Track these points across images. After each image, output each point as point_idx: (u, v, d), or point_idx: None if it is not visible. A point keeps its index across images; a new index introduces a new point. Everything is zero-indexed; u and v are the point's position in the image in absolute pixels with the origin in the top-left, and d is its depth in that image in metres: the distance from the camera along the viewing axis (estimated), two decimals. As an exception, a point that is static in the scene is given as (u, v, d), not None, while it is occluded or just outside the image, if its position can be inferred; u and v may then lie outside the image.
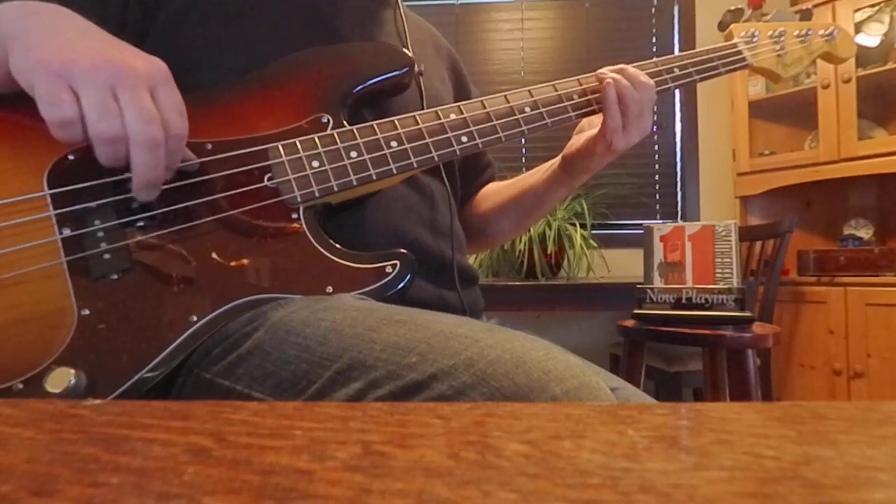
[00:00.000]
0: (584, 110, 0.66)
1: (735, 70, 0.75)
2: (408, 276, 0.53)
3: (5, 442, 0.18)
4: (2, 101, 0.48)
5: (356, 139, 0.55)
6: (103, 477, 0.15)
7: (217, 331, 0.48)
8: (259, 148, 0.53)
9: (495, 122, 0.61)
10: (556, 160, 0.76)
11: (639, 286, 1.19)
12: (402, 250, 0.54)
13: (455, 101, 0.76)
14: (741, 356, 1.14)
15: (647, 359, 1.35)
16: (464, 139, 0.59)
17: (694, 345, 1.41)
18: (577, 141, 0.72)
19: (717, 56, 0.74)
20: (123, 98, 0.44)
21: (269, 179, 0.52)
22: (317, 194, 0.53)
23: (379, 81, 0.58)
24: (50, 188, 0.47)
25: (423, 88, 0.66)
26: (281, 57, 0.57)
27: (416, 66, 0.61)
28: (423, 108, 0.65)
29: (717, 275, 1.13)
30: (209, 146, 0.52)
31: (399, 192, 0.60)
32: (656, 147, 2.53)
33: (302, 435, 0.19)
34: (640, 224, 2.23)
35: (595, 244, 2.26)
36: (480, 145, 0.60)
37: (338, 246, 0.53)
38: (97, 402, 0.23)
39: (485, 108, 0.61)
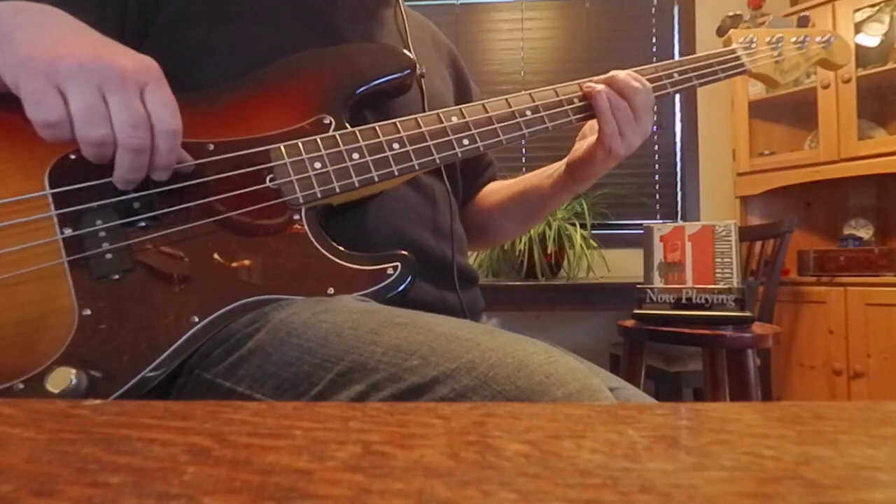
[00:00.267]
0: (584, 114, 0.66)
1: (733, 75, 0.75)
2: (409, 278, 0.53)
3: (5, 442, 0.18)
4: (2, 100, 0.48)
5: (358, 141, 0.55)
6: (103, 477, 0.15)
7: (218, 331, 0.48)
8: (261, 149, 0.53)
9: (496, 126, 0.61)
10: (562, 164, 0.75)
11: (639, 286, 1.19)
12: (403, 252, 0.54)
13: (456, 99, 0.76)
14: (741, 356, 1.14)
15: (647, 359, 1.35)
16: (465, 142, 0.59)
17: (694, 345, 1.41)
18: (579, 147, 0.72)
19: (717, 62, 0.74)
20: (112, 100, 0.43)
21: (271, 180, 0.52)
22: (319, 195, 0.53)
23: (381, 83, 0.59)
24: (51, 187, 0.47)
25: (424, 89, 0.66)
26: (281, 56, 0.57)
27: (417, 67, 0.61)
28: (424, 109, 0.65)
29: (717, 275, 1.13)
30: (211, 146, 0.52)
31: (400, 192, 0.60)
32: (656, 147, 2.53)
33: (302, 435, 0.19)
34: (640, 224, 2.23)
35: (595, 244, 2.26)
36: (482, 148, 0.60)
37: (339, 247, 0.53)
38: (97, 402, 0.23)
39: (486, 111, 0.61)
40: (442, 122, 0.58)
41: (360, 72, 0.58)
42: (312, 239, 0.52)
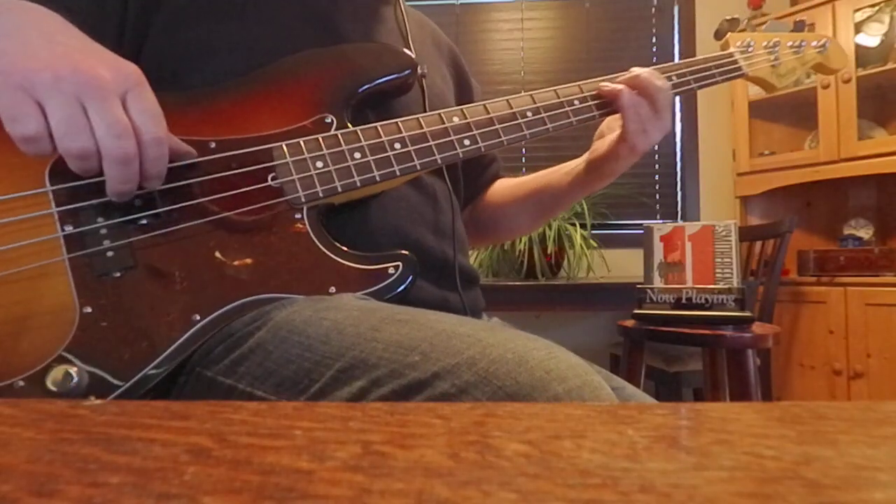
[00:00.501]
0: (584, 116, 0.66)
1: (731, 79, 0.76)
2: (410, 278, 0.53)
3: (5, 442, 0.18)
4: None
5: (360, 140, 0.55)
6: (103, 477, 0.15)
7: (219, 330, 0.48)
8: (263, 147, 0.53)
9: (498, 126, 0.61)
10: (580, 162, 0.76)
11: (639, 286, 1.19)
12: (405, 251, 0.54)
13: (457, 97, 0.76)
14: (741, 356, 1.14)
15: (647, 359, 1.35)
16: (466, 142, 0.59)
17: (694, 345, 1.41)
18: (600, 146, 0.72)
19: (714, 65, 0.75)
20: (92, 110, 0.42)
21: (272, 179, 0.52)
22: (320, 195, 0.53)
23: (383, 83, 0.59)
24: (51, 184, 0.47)
25: (425, 88, 0.66)
26: (281, 55, 0.57)
27: (419, 67, 0.61)
28: (425, 109, 0.65)
29: (717, 275, 1.13)
30: (213, 145, 0.52)
31: (401, 192, 0.60)
32: (656, 147, 2.53)
33: (302, 435, 0.19)
34: (640, 224, 2.22)
35: (595, 244, 2.26)
36: (483, 148, 0.60)
37: (341, 246, 0.53)
38: (97, 402, 0.23)
39: (488, 111, 0.61)
40: (444, 123, 0.59)
41: (361, 71, 0.58)
42: (314, 238, 0.52)
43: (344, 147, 0.54)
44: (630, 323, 1.23)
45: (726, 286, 1.12)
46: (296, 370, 0.42)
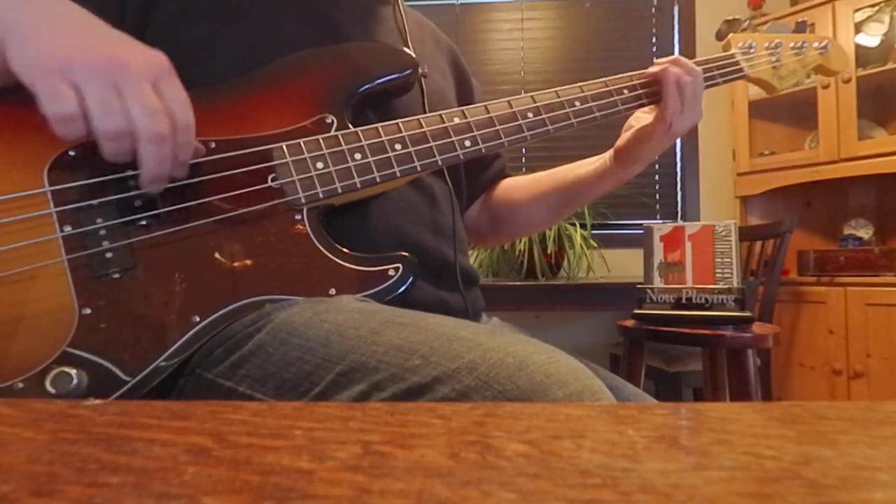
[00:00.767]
0: (586, 117, 0.66)
1: (732, 80, 0.76)
2: (410, 279, 0.53)
3: (5, 442, 0.18)
4: (1, 95, 0.48)
5: (360, 141, 0.55)
6: (103, 477, 0.15)
7: (219, 331, 0.47)
8: (263, 148, 0.52)
9: (498, 127, 0.61)
10: (607, 154, 0.77)
11: (639, 286, 1.19)
12: (405, 253, 0.54)
13: (457, 96, 0.76)
14: (741, 356, 1.14)
15: (647, 359, 1.35)
16: (467, 143, 0.59)
17: (694, 345, 1.41)
18: (629, 134, 0.73)
19: (716, 66, 0.75)
20: (127, 93, 0.43)
21: (272, 180, 0.52)
22: (321, 196, 0.53)
23: (383, 82, 0.59)
24: (50, 184, 0.46)
25: (425, 88, 0.66)
26: (282, 55, 0.57)
27: (419, 67, 0.61)
28: (425, 108, 0.65)
29: (717, 275, 1.13)
30: (213, 145, 0.52)
31: (401, 192, 0.60)
32: (656, 147, 2.53)
33: (302, 435, 0.19)
34: (640, 224, 2.22)
35: (595, 244, 2.26)
36: (483, 150, 0.60)
37: (341, 248, 0.53)
38: (97, 402, 0.23)
39: (488, 112, 0.61)
40: (444, 123, 0.58)
41: (362, 71, 0.58)
42: (314, 239, 0.52)
43: (344, 148, 0.54)
44: (630, 323, 1.23)
45: (726, 286, 1.12)
46: (296, 373, 0.42)
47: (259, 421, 0.20)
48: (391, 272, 0.52)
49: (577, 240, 2.17)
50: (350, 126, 0.56)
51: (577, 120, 0.65)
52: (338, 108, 0.56)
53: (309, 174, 0.53)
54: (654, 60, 0.71)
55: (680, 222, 2.44)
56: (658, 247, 1.19)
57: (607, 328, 2.42)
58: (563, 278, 2.21)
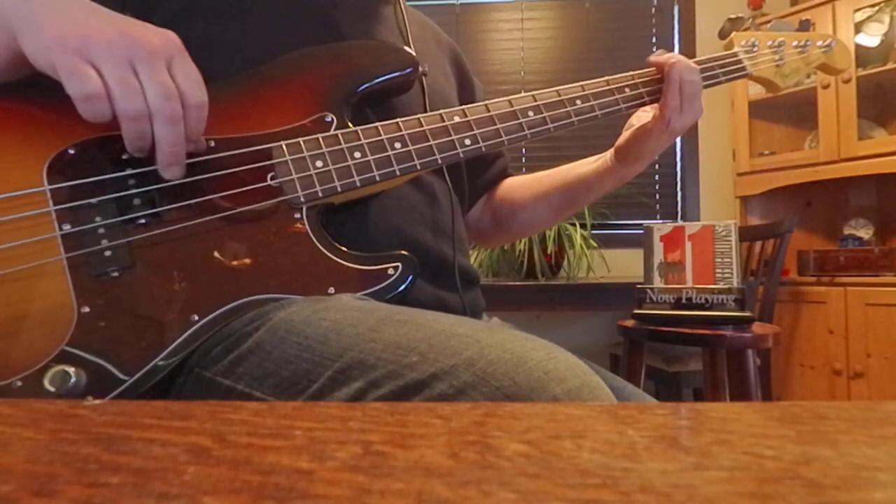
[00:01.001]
0: (586, 115, 0.66)
1: (735, 79, 0.76)
2: (409, 278, 0.53)
3: (5, 442, 0.18)
4: (1, 93, 0.48)
5: (360, 140, 0.55)
6: (103, 477, 0.15)
7: (218, 330, 0.48)
8: (263, 146, 0.52)
9: (498, 126, 0.61)
10: (608, 153, 0.77)
11: (639, 286, 1.19)
12: (404, 252, 0.54)
13: (459, 95, 0.76)
14: (741, 356, 1.14)
15: (647, 359, 1.35)
16: (467, 142, 0.59)
17: (694, 345, 1.41)
18: (630, 132, 0.74)
19: (718, 64, 0.75)
20: (143, 73, 0.44)
21: (272, 178, 0.52)
22: (320, 194, 0.53)
23: (383, 81, 0.58)
24: (49, 183, 0.46)
25: (426, 87, 0.66)
26: (281, 53, 0.57)
27: (420, 65, 0.61)
28: (426, 107, 0.65)
29: (717, 275, 1.13)
30: (212, 143, 0.52)
31: (401, 191, 0.60)
32: (656, 147, 2.53)
33: (302, 435, 0.19)
34: (640, 224, 2.22)
35: (595, 244, 2.26)
36: (483, 148, 0.60)
37: (340, 247, 0.53)
38: (97, 402, 0.23)
39: (489, 111, 0.61)
40: (444, 122, 0.58)
41: (362, 69, 0.58)
42: (313, 238, 0.52)
43: (344, 146, 0.54)
44: (630, 323, 1.23)
45: (726, 286, 1.12)
46: (294, 371, 0.42)
47: (259, 421, 0.20)
48: (390, 271, 0.52)
49: (577, 240, 2.17)
50: (350, 125, 0.56)
51: (578, 119, 0.65)
52: (337, 107, 0.56)
53: (308, 173, 0.53)
54: (655, 51, 0.72)
55: (680, 222, 2.44)
56: (658, 247, 1.19)
57: (607, 328, 2.42)
58: (563, 278, 2.21)
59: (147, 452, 0.17)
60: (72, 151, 0.48)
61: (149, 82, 0.44)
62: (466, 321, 0.44)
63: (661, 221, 2.50)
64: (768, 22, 2.14)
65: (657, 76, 0.70)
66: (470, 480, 0.15)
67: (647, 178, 2.52)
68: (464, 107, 0.60)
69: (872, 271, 2.00)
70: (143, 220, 0.48)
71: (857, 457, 0.17)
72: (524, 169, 2.50)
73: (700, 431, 0.20)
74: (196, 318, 0.47)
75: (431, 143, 0.57)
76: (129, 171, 0.48)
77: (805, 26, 0.82)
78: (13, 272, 0.44)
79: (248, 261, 0.50)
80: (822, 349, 2.03)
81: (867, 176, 2.06)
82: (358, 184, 0.54)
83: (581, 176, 0.79)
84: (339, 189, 0.53)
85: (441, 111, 0.59)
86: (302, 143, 0.53)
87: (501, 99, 0.63)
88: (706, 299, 1.13)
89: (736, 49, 0.78)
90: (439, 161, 0.57)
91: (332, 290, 0.51)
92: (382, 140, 0.55)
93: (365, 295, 0.51)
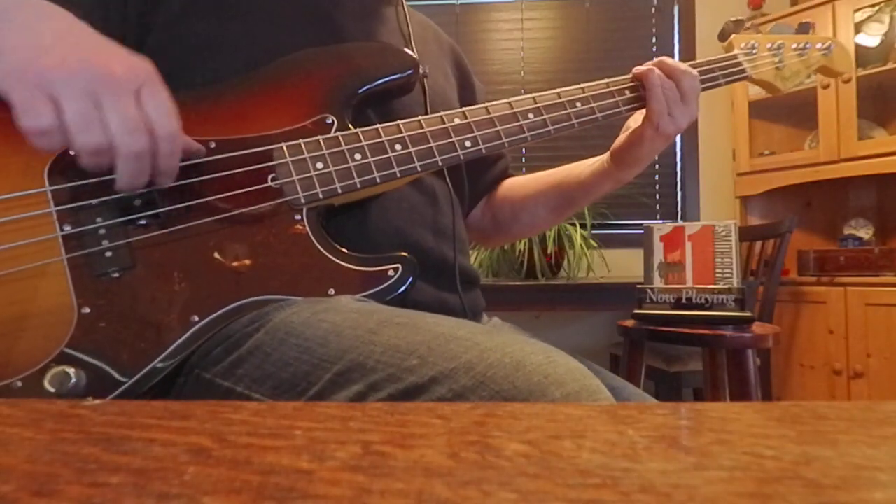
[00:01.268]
0: (587, 117, 0.66)
1: (734, 81, 0.76)
2: (409, 280, 0.53)
3: (5, 442, 0.18)
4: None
5: (360, 141, 0.55)
6: (103, 477, 0.15)
7: (218, 331, 0.47)
8: (263, 148, 0.52)
9: (499, 128, 0.61)
10: (605, 155, 0.77)
11: (639, 286, 1.19)
12: (404, 253, 0.54)
13: (460, 97, 0.76)
14: (741, 356, 1.14)
15: (647, 359, 1.35)
16: (467, 143, 0.59)
17: (694, 345, 1.41)
18: (625, 133, 0.74)
19: (718, 67, 0.75)
20: (106, 106, 0.42)
21: (272, 180, 0.52)
22: (320, 196, 0.53)
23: (384, 83, 0.58)
24: (50, 184, 0.46)
25: (427, 89, 0.66)
26: (282, 54, 0.57)
27: (420, 67, 0.61)
28: (427, 109, 0.65)
29: (717, 275, 1.13)
30: (213, 144, 0.52)
31: (402, 193, 0.60)
32: (656, 147, 2.53)
33: (302, 435, 0.19)
34: (640, 224, 2.22)
35: (595, 244, 2.26)
36: (484, 150, 0.60)
37: (340, 248, 0.53)
38: (97, 402, 0.23)
39: (489, 113, 0.61)
40: (444, 124, 0.58)
41: (362, 71, 0.58)
42: (313, 239, 0.52)
43: (344, 148, 0.54)
44: (630, 323, 1.23)
45: (726, 286, 1.12)
46: (293, 373, 0.42)
47: (259, 421, 0.20)
48: (391, 272, 0.52)
49: (577, 240, 2.17)
50: (350, 126, 0.56)
51: (578, 121, 0.65)
52: (338, 109, 0.56)
53: (308, 174, 0.53)
54: (654, 52, 0.72)
55: (680, 222, 2.44)
56: (658, 247, 1.19)
57: (607, 328, 2.42)
58: (563, 278, 2.21)
59: (147, 452, 0.17)
60: (72, 152, 0.48)
61: (112, 115, 0.42)
62: (466, 324, 0.43)
63: (661, 221, 2.50)
64: (768, 22, 2.15)
65: None
66: (470, 480, 0.15)
67: (647, 178, 2.52)
68: (464, 109, 0.60)
69: (872, 271, 2.00)
70: (143, 221, 0.48)
71: (857, 457, 0.17)
72: (524, 169, 2.50)
73: (700, 431, 0.20)
74: (196, 319, 0.47)
75: (432, 144, 0.57)
76: None
77: (804, 29, 0.82)
78: (14, 272, 0.44)
79: (248, 262, 0.50)
80: (822, 349, 2.03)
81: (867, 176, 2.06)
82: (358, 185, 0.54)
83: (579, 178, 0.79)
84: (339, 190, 0.53)
85: (441, 113, 0.59)
86: (303, 144, 0.53)
87: (502, 101, 0.63)
88: (706, 299, 1.13)
89: (736, 51, 0.78)
90: (440, 163, 0.57)
91: (332, 291, 0.51)
92: (383, 141, 0.55)
93: (365, 296, 0.51)
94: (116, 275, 0.47)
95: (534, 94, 0.64)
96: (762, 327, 1.17)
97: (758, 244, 1.83)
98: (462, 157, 0.59)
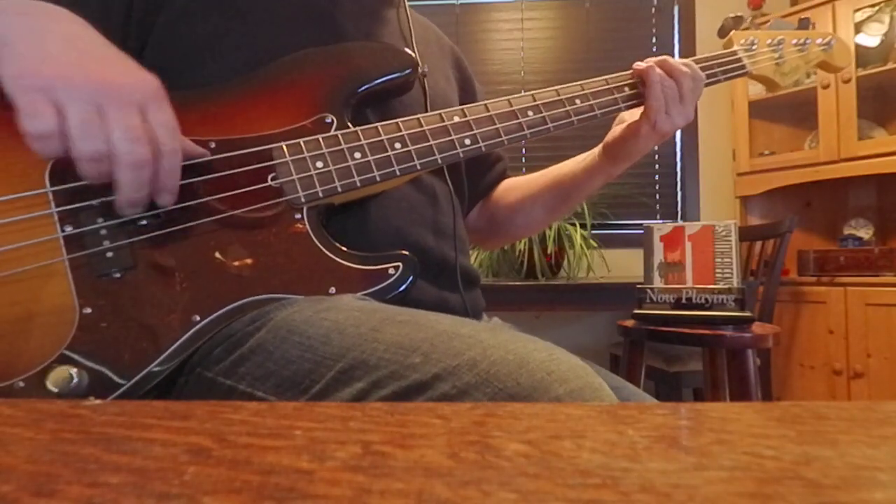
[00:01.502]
0: (586, 115, 0.66)
1: (734, 77, 0.76)
2: (410, 278, 0.53)
3: (5, 442, 0.18)
4: (3, 96, 0.48)
5: (360, 140, 0.55)
6: (103, 477, 0.15)
7: (219, 330, 0.48)
8: (263, 147, 0.53)
9: (498, 126, 0.61)
10: (596, 150, 0.77)
11: (639, 286, 1.19)
12: (405, 252, 0.54)
13: (461, 99, 0.76)
14: (741, 356, 1.14)
15: (647, 359, 1.35)
16: (467, 141, 0.59)
17: (694, 345, 1.41)
18: (620, 127, 0.74)
19: (717, 63, 0.75)
20: (110, 116, 0.43)
21: (272, 179, 0.52)
22: (320, 195, 0.53)
23: (383, 82, 0.58)
24: (51, 185, 0.47)
25: (426, 88, 0.66)
26: (283, 54, 0.57)
27: (420, 66, 0.61)
28: (427, 109, 0.65)
29: (717, 275, 1.13)
30: (213, 144, 0.52)
31: (402, 192, 0.60)
32: (656, 147, 2.52)
33: (302, 435, 0.19)
34: (640, 224, 2.22)
35: (595, 244, 2.26)
36: (483, 148, 0.60)
37: (341, 247, 0.53)
38: (97, 402, 0.23)
39: (488, 111, 0.61)
40: (444, 122, 0.58)
41: (362, 70, 0.58)
42: (314, 238, 0.52)
43: (344, 147, 0.54)
44: (630, 323, 1.23)
45: (726, 286, 1.12)
46: (296, 371, 0.42)
47: (259, 421, 0.20)
48: (391, 271, 0.52)
49: (577, 240, 2.17)
50: (350, 126, 0.56)
51: (578, 118, 0.65)
52: (337, 108, 0.56)
53: (308, 173, 0.53)
54: (654, 52, 0.72)
55: (680, 222, 2.44)
56: (658, 247, 1.19)
57: (607, 328, 2.42)
58: (563, 278, 2.21)
59: (147, 452, 0.17)
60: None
61: (114, 125, 0.43)
62: (469, 322, 0.44)
63: (661, 221, 2.50)
64: (768, 22, 2.15)
65: None
66: (470, 480, 0.15)
67: (647, 178, 2.52)
68: (463, 107, 0.60)
69: (872, 271, 2.00)
70: (144, 222, 0.48)
71: (857, 457, 0.17)
72: (524, 169, 2.50)
73: (700, 431, 0.20)
74: (197, 318, 0.47)
75: (431, 143, 0.57)
76: None
77: (804, 25, 0.82)
78: (15, 273, 0.44)
79: (249, 261, 0.50)
80: (822, 349, 2.03)
81: (867, 176, 2.06)
82: (358, 184, 0.54)
83: (571, 175, 0.79)
84: (339, 189, 0.53)
85: (441, 111, 0.59)
86: (302, 143, 0.53)
87: (501, 98, 0.63)
88: (706, 299, 1.13)
89: (735, 47, 0.78)
90: (439, 161, 0.57)
91: (332, 290, 0.51)
92: (382, 140, 0.55)
93: (365, 295, 0.51)
94: (118, 275, 0.47)
95: (533, 92, 0.64)
96: (762, 327, 1.17)
97: (758, 244, 1.83)
98: (461, 154, 0.59)
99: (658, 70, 0.68)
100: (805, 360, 2.08)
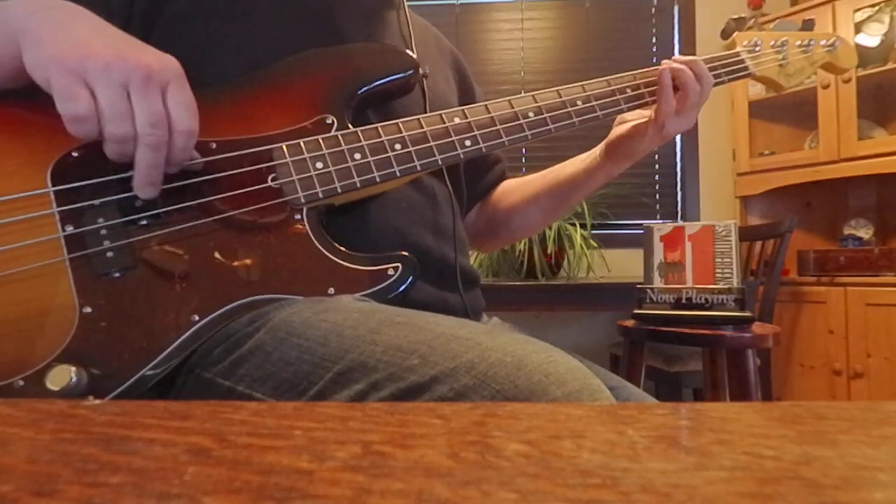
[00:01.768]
0: (587, 116, 0.66)
1: (737, 79, 0.76)
2: (409, 279, 0.53)
3: (5, 442, 0.18)
4: (5, 97, 0.48)
5: (360, 141, 0.55)
6: (103, 477, 0.15)
7: (218, 331, 0.48)
8: (263, 148, 0.53)
9: (499, 127, 0.61)
10: (597, 149, 0.77)
11: (639, 286, 1.19)
12: (404, 253, 0.54)
13: (460, 102, 0.76)
14: (741, 356, 1.14)
15: (647, 359, 1.35)
16: (467, 143, 0.59)
17: (694, 345, 1.41)
18: (623, 127, 0.74)
19: (721, 64, 0.74)
20: (135, 98, 0.44)
21: (272, 180, 0.52)
22: (320, 196, 0.53)
23: (383, 83, 0.59)
24: (53, 185, 0.47)
25: (426, 90, 0.66)
26: (284, 55, 0.57)
27: (420, 68, 0.61)
28: (426, 110, 0.65)
29: (717, 275, 1.13)
30: (213, 145, 0.52)
31: (401, 193, 0.60)
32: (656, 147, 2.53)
33: (302, 435, 0.19)
34: (640, 224, 2.22)
35: (595, 244, 2.26)
36: (484, 149, 0.60)
37: (340, 248, 0.53)
38: (97, 402, 0.23)
39: (489, 112, 0.61)
40: (444, 123, 0.58)
41: (362, 72, 0.58)
42: (313, 239, 0.52)
43: (344, 147, 0.54)
44: (630, 323, 1.23)
45: (726, 286, 1.12)
46: (294, 372, 0.42)
47: (259, 421, 0.20)
48: (390, 272, 0.52)
49: (577, 240, 2.17)
50: (350, 127, 0.56)
51: (579, 119, 0.65)
52: (338, 109, 0.56)
53: (308, 174, 0.53)
54: (675, 57, 0.72)
55: (680, 222, 2.44)
56: (658, 247, 1.19)
57: (607, 328, 2.42)
58: (563, 278, 2.21)
59: (147, 452, 0.17)
60: (75, 154, 0.48)
61: (140, 107, 0.44)
62: (467, 324, 0.44)
63: (661, 221, 2.50)
64: (769, 22, 2.14)
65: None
66: (470, 480, 0.15)
67: (647, 178, 2.52)
68: (464, 108, 0.60)
69: (872, 271, 2.00)
70: (144, 222, 0.48)
71: (857, 457, 0.17)
72: (524, 169, 2.50)
73: (700, 431, 0.20)
74: (196, 318, 0.47)
75: (432, 144, 0.57)
76: (131, 173, 0.48)
77: (808, 26, 0.82)
78: (16, 273, 0.44)
79: (248, 262, 0.50)
80: (822, 349, 2.03)
81: (867, 176, 2.06)
82: (358, 185, 0.54)
83: (570, 176, 0.79)
84: (339, 190, 0.53)
85: (441, 112, 0.59)
86: (302, 144, 0.53)
87: (502, 99, 0.63)
88: (706, 299, 1.13)
89: (738, 49, 0.77)
90: (440, 162, 0.57)
91: (332, 290, 0.51)
92: (383, 141, 0.55)
93: (365, 296, 0.51)
94: (118, 275, 0.47)
95: (534, 93, 0.64)
96: (762, 327, 1.17)
97: (758, 244, 1.83)
98: (462, 156, 0.59)
99: (669, 73, 0.68)
100: (805, 360, 2.08)
